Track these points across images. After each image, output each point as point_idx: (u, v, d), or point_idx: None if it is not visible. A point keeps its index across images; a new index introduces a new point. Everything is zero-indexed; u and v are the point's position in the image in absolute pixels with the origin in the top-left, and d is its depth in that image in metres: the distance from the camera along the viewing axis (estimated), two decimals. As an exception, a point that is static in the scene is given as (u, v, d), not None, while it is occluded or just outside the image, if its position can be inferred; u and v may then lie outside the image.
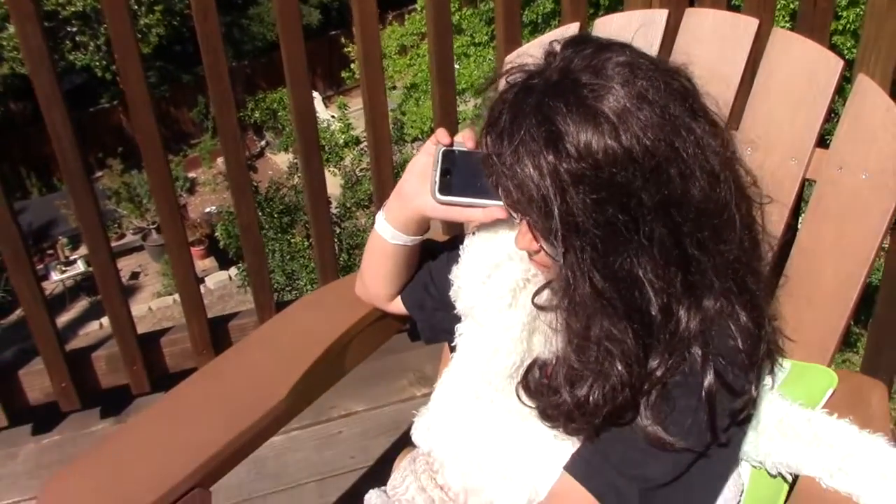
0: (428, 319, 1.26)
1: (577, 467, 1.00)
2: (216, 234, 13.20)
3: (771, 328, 1.04)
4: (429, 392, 1.23)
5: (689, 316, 0.92)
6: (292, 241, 10.60)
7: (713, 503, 1.05)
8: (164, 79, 17.20)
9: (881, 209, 1.19)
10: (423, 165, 1.10)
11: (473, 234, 1.17)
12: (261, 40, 18.86)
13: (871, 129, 1.21)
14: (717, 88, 0.95)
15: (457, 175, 1.07)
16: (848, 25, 10.10)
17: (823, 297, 1.24)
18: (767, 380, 1.10)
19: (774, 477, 1.10)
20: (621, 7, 2.02)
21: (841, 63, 1.24)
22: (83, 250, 13.50)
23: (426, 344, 1.30)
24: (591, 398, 0.96)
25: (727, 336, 0.95)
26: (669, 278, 0.89)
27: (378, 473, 1.60)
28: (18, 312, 12.02)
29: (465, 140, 1.07)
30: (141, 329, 2.13)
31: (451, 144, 1.08)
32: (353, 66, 15.10)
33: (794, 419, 1.08)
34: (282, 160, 14.66)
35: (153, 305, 13.57)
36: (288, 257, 10.51)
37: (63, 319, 12.63)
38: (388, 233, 1.17)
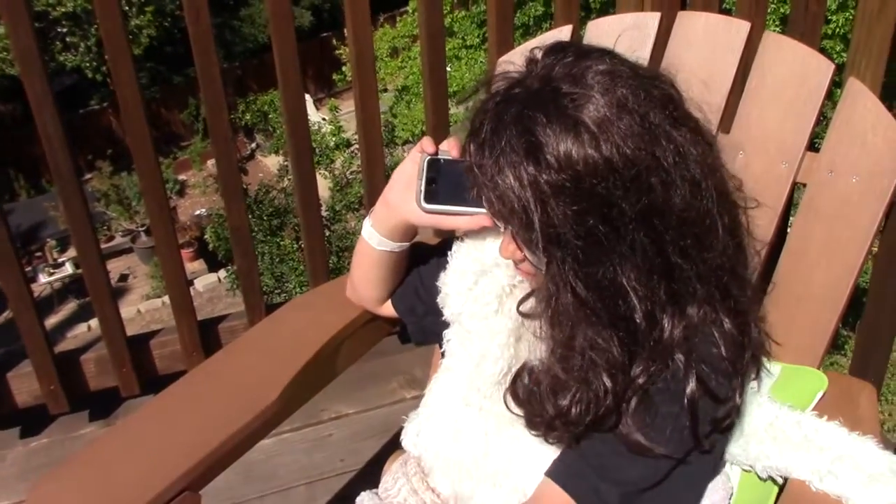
0: (418, 322, 1.26)
1: (559, 472, 1.00)
2: (205, 236, 13.16)
3: (757, 334, 1.03)
4: (419, 395, 1.23)
5: (674, 323, 0.92)
6: (281, 243, 10.58)
7: None
8: (155, 80, 17.17)
9: (871, 212, 1.20)
10: (408, 174, 1.10)
11: (461, 240, 1.17)
12: (252, 42, 18.85)
13: (861, 132, 1.21)
14: (708, 92, 0.96)
15: (442, 183, 1.07)
16: (837, 30, 10.16)
17: (813, 300, 1.25)
18: (754, 384, 1.10)
19: (764, 480, 1.10)
20: (613, 10, 2.03)
21: (832, 66, 1.24)
22: (71, 252, 13.45)
23: (416, 346, 1.30)
24: (573, 409, 0.96)
25: (711, 343, 0.95)
26: (653, 286, 0.89)
27: (368, 476, 1.60)
28: (6, 315, 11.98)
29: (450, 148, 1.07)
30: (130, 331, 2.12)
31: (437, 153, 1.08)
32: (344, 68, 15.10)
33: (784, 422, 1.09)
34: (272, 162, 14.63)
35: (142, 308, 13.53)
36: (277, 260, 10.49)
37: (51, 322, 12.57)
38: (374, 239, 1.17)
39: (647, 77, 0.91)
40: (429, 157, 1.07)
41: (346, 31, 1.93)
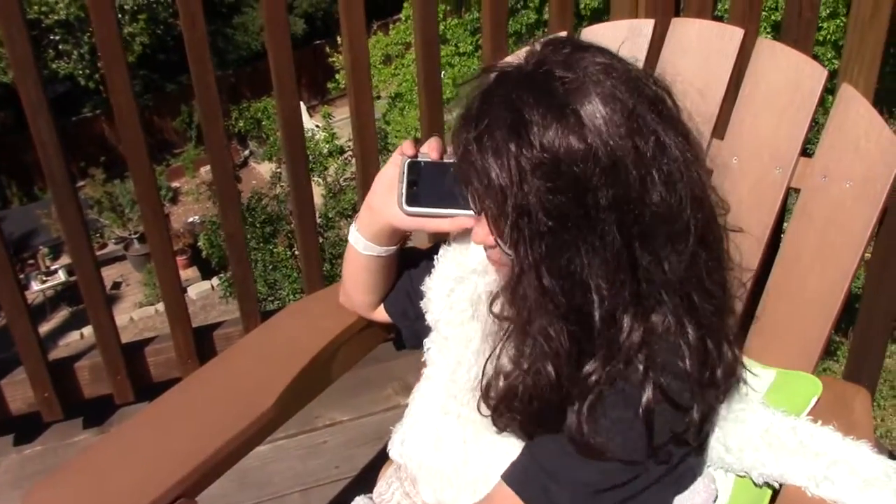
0: (411, 326, 1.26)
1: (513, 475, 1.00)
2: (199, 243, 13.14)
3: (731, 354, 1.01)
4: (412, 402, 1.23)
5: (633, 326, 0.91)
6: (274, 250, 10.57)
7: None
8: (148, 88, 17.17)
9: (864, 217, 1.20)
10: (390, 177, 1.10)
11: (448, 244, 1.18)
12: (245, 49, 18.88)
13: (854, 138, 1.22)
14: (698, 101, 0.96)
15: (423, 186, 1.07)
16: (828, 36, 10.22)
17: (807, 305, 1.25)
18: (748, 390, 1.10)
19: (760, 487, 1.10)
20: (606, 17, 2.03)
21: (825, 73, 1.25)
22: (64, 260, 13.43)
23: (411, 350, 1.30)
24: (518, 391, 0.97)
25: (674, 354, 0.93)
26: (617, 285, 0.88)
27: (363, 483, 1.60)
28: (-2, 322, 11.94)
29: (430, 150, 1.07)
30: (123, 339, 2.11)
31: (416, 155, 1.08)
32: (338, 76, 15.11)
33: (779, 429, 1.09)
34: (265, 170, 14.63)
35: (135, 315, 13.50)
36: (270, 267, 10.48)
37: (43, 330, 12.53)
38: (360, 244, 1.17)
39: (642, 76, 0.91)
40: (409, 160, 1.08)
41: (340, 38, 1.93)
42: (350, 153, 12.09)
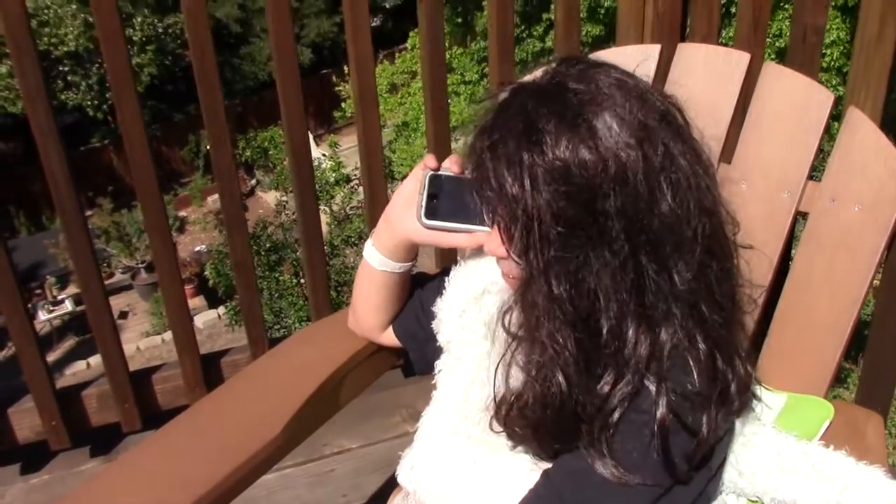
0: (420, 350, 1.26)
1: (526, 501, 0.99)
2: (206, 272, 13.16)
3: (743, 370, 1.00)
4: (420, 429, 1.22)
5: (639, 339, 0.91)
6: (280, 278, 10.58)
7: None
8: (156, 118, 17.28)
9: (873, 241, 1.20)
10: (410, 191, 1.11)
11: (460, 265, 1.18)
12: (252, 79, 19.00)
13: (862, 161, 1.22)
14: (709, 122, 0.96)
15: (443, 200, 1.08)
16: (832, 63, 10.25)
17: (818, 328, 1.25)
18: (760, 414, 1.09)
19: (773, 512, 1.09)
20: (608, 45, 2.04)
21: (832, 97, 1.26)
22: (71, 290, 13.44)
23: (419, 375, 1.29)
24: (528, 399, 0.97)
25: (683, 371, 0.93)
26: (623, 295, 0.89)
27: (371, 511, 1.58)
28: (5, 352, 11.94)
29: (451, 165, 1.08)
30: (130, 368, 2.11)
31: (439, 169, 1.08)
32: (344, 104, 15.21)
33: (791, 453, 1.08)
34: (272, 198, 14.67)
35: (142, 345, 13.48)
36: (276, 295, 10.48)
37: (50, 359, 12.48)
38: (376, 259, 1.18)
39: (654, 92, 0.92)
40: (431, 173, 1.08)
41: (346, 67, 1.94)
42: (356, 182, 12.14)
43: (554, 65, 0.94)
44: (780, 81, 1.30)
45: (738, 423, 1.06)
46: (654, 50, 1.39)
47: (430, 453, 1.15)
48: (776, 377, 1.23)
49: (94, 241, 1.96)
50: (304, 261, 2.14)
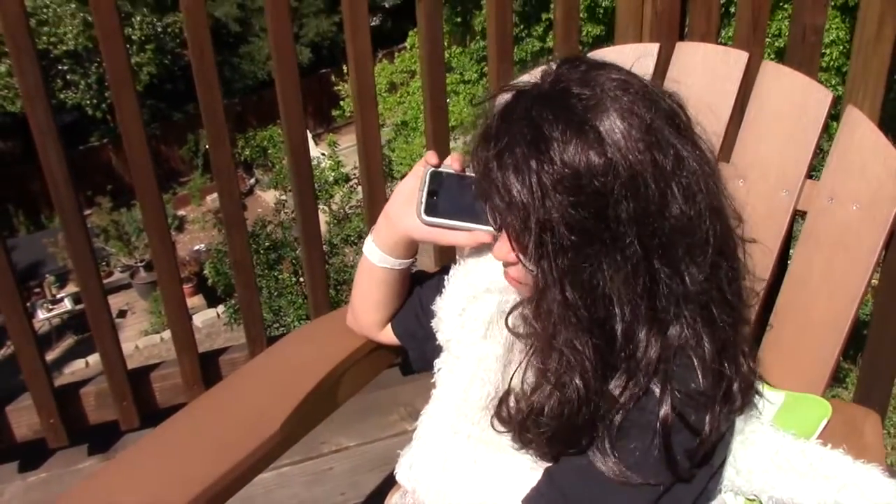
0: (419, 348, 1.26)
1: (533, 501, 0.99)
2: (204, 271, 13.15)
3: (747, 367, 1.01)
4: (418, 427, 1.22)
5: (650, 342, 0.91)
6: (279, 277, 10.57)
7: None
8: (155, 117, 17.27)
9: (872, 240, 1.20)
10: (410, 187, 1.11)
11: (459, 264, 1.18)
12: (251, 79, 19.01)
13: (860, 160, 1.22)
14: (707, 120, 0.96)
15: (444, 197, 1.08)
16: (831, 63, 10.25)
17: (816, 327, 1.25)
18: (758, 412, 1.09)
19: (770, 510, 1.09)
20: (608, 45, 2.05)
21: (830, 95, 1.26)
22: (70, 288, 13.44)
23: (417, 373, 1.29)
24: (546, 406, 0.96)
25: (688, 371, 0.93)
26: (636, 299, 0.89)
27: (369, 510, 1.58)
28: (4, 351, 11.93)
29: (452, 162, 1.08)
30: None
31: (440, 166, 1.08)
32: (342, 103, 15.20)
33: (788, 451, 1.08)
34: (271, 198, 14.67)
35: (140, 344, 13.47)
36: (275, 294, 10.47)
37: (49, 358, 12.51)
38: (375, 256, 1.18)
39: (657, 91, 0.92)
40: (432, 170, 1.08)
41: (346, 66, 1.94)
42: (355, 181, 12.14)
43: (554, 67, 0.93)
44: (778, 80, 1.30)
45: (738, 421, 1.06)
46: (653, 49, 1.39)
47: (429, 452, 1.15)
48: (774, 376, 1.23)
49: (93, 240, 1.96)
50: (304, 259, 2.14)
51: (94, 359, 11.58)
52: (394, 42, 16.48)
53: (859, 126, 1.23)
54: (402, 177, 1.17)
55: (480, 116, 0.96)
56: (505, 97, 0.94)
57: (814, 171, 1.29)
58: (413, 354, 1.28)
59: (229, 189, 1.95)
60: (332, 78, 16.54)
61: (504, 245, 0.96)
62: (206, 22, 1.77)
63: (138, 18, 16.03)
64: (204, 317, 13.91)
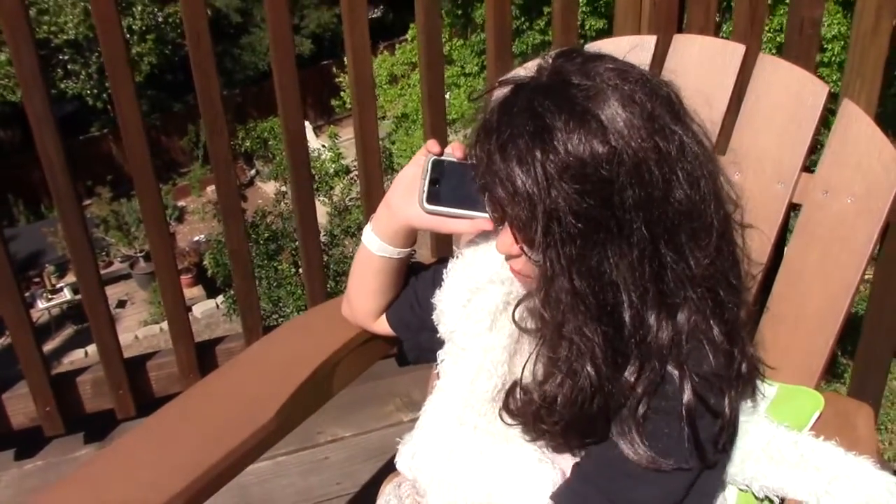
0: (413, 339, 1.26)
1: (564, 496, 1.00)
2: (204, 262, 13.15)
3: (751, 349, 1.03)
4: (416, 418, 1.22)
5: (661, 326, 0.92)
6: (279, 267, 10.57)
7: None
8: (155, 107, 17.26)
9: (866, 233, 1.20)
10: (411, 176, 1.11)
11: (457, 257, 1.17)
12: (252, 69, 18.98)
13: (856, 153, 1.22)
14: (704, 113, 0.97)
15: (445, 185, 1.08)
16: (833, 58, 10.22)
17: (810, 320, 1.25)
18: (750, 403, 1.10)
19: (761, 500, 1.09)
20: (610, 35, 2.05)
21: (826, 88, 1.26)
22: (70, 278, 13.44)
23: (412, 364, 1.30)
24: (559, 395, 0.96)
25: (701, 355, 0.95)
26: (644, 285, 0.90)
27: (365, 500, 1.59)
28: (2, 340, 11.94)
29: (454, 151, 1.08)
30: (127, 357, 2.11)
31: (441, 154, 1.08)
32: (343, 94, 15.18)
33: (780, 442, 1.08)
34: (271, 189, 14.67)
35: (140, 334, 13.48)
36: (275, 284, 10.48)
37: (48, 348, 12.52)
38: (374, 244, 1.17)
39: (655, 79, 0.93)
40: (433, 158, 1.08)
41: (346, 57, 1.94)
42: (356, 173, 12.13)
43: (550, 59, 0.94)
44: (774, 73, 1.30)
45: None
46: (650, 41, 1.39)
47: (433, 442, 1.15)
48: (767, 368, 1.23)
49: (92, 231, 1.97)
50: (300, 248, 2.15)
51: (93, 349, 11.55)
52: (395, 34, 16.46)
53: (855, 119, 1.24)
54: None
55: (480, 111, 0.96)
56: (503, 91, 0.94)
57: (811, 164, 1.29)
58: (407, 345, 1.29)
59: (226, 178, 1.95)
60: (334, 69, 16.49)
61: (507, 238, 0.96)
62: (203, 10, 1.78)
63: (139, 8, 15.99)
64: (203, 307, 13.91)
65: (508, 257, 1.00)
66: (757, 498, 1.09)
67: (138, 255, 14.22)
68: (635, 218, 0.87)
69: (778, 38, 9.64)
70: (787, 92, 1.29)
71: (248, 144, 16.28)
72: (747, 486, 1.08)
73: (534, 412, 1.01)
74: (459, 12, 13.14)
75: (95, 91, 16.24)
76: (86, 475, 1.16)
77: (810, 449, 1.07)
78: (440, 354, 1.17)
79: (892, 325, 1.86)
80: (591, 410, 0.95)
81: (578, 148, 0.85)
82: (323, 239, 10.84)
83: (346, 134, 13.37)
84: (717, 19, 2.01)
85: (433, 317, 1.18)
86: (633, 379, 0.93)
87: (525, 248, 0.94)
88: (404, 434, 1.22)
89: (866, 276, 1.29)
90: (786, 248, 1.30)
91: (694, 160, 0.90)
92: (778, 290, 1.28)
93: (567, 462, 1.05)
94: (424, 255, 1.64)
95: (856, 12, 1.74)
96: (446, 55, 12.46)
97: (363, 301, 1.27)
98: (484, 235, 1.11)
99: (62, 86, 15.97)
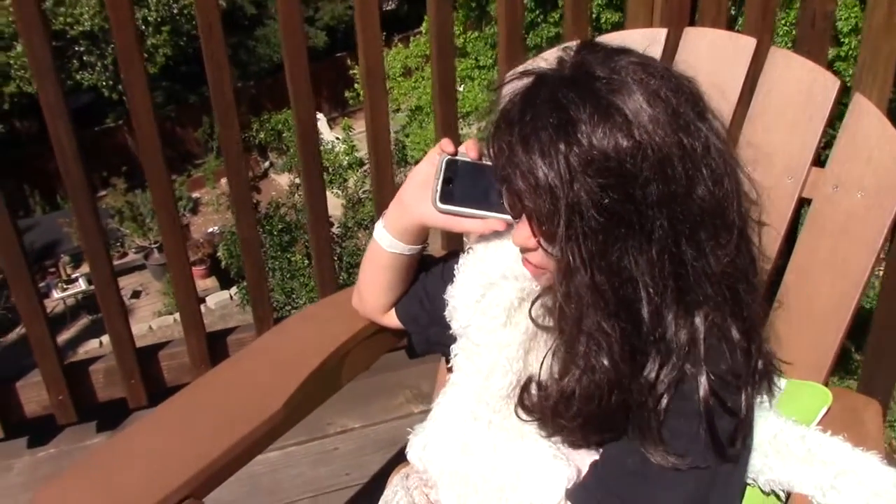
0: (422, 333, 1.26)
1: (580, 497, 1.00)
2: (218, 253, 13.21)
3: (766, 346, 1.03)
4: (426, 409, 1.22)
5: (678, 324, 0.91)
6: (292, 259, 10.61)
7: None
8: (170, 99, 17.31)
9: (876, 228, 1.20)
10: (425, 174, 1.11)
11: (469, 252, 1.17)
12: (266, 62, 19.00)
13: (866, 148, 1.22)
14: (715, 106, 0.96)
15: (458, 184, 1.07)
16: (850, 52, 10.12)
17: (819, 315, 1.24)
18: (764, 398, 1.10)
19: (767, 495, 1.09)
20: (622, 27, 2.04)
21: (837, 82, 1.25)
22: (85, 268, 13.52)
23: (420, 355, 1.30)
24: (576, 390, 0.96)
25: (719, 353, 0.94)
26: (664, 282, 0.89)
27: (373, 491, 1.59)
28: (18, 331, 12.02)
29: (468, 150, 1.08)
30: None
31: (456, 153, 1.08)
32: (357, 86, 15.18)
33: (787, 436, 1.08)
34: (285, 181, 14.71)
35: (154, 324, 13.56)
36: (288, 276, 10.52)
37: (63, 337, 12.61)
38: (385, 241, 1.17)
39: (678, 74, 0.92)
40: (447, 157, 1.08)
41: (357, 49, 1.94)
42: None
43: (572, 52, 0.93)
44: (786, 67, 1.29)
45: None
46: (661, 34, 1.38)
47: (446, 436, 1.15)
48: (783, 364, 1.23)
49: (107, 221, 1.99)
50: (311, 239, 2.15)
51: (107, 339, 11.67)
52: (409, 27, 16.44)
53: (866, 114, 1.23)
54: (416, 162, 1.17)
55: (496, 102, 0.96)
56: (524, 82, 0.93)
57: (822, 157, 1.28)
58: (416, 339, 1.29)
59: (237, 169, 1.96)
60: (348, 61, 16.49)
61: (524, 230, 0.96)
62: (215, 1, 1.78)
63: (154, 0, 16.04)
64: (217, 298, 13.97)
65: (524, 250, 1.00)
66: (763, 492, 1.08)
67: (153, 245, 14.30)
68: (657, 214, 0.87)
69: (794, 32, 9.56)
70: (799, 86, 1.28)
71: (262, 136, 16.33)
72: (753, 479, 1.08)
73: (551, 407, 1.01)
74: (474, 4, 13.11)
75: (111, 82, 16.31)
76: (95, 462, 1.17)
77: (817, 444, 1.07)
78: (454, 349, 1.17)
79: (904, 321, 1.85)
80: (610, 406, 0.95)
81: (603, 142, 0.85)
82: (336, 231, 10.90)
83: (360, 126, 13.33)
84: (732, 12, 2.00)
85: (445, 312, 1.18)
86: (652, 377, 0.93)
87: (542, 242, 0.94)
88: (414, 426, 1.22)
89: (877, 272, 1.28)
90: (795, 243, 1.30)
91: (718, 157, 0.90)
92: (787, 286, 1.28)
93: (582, 458, 1.05)
94: (436, 248, 1.64)
95: (868, 6, 1.73)
96: (460, 48, 12.42)
97: (373, 295, 1.27)
98: (495, 233, 1.11)
99: (78, 77, 16.05)
